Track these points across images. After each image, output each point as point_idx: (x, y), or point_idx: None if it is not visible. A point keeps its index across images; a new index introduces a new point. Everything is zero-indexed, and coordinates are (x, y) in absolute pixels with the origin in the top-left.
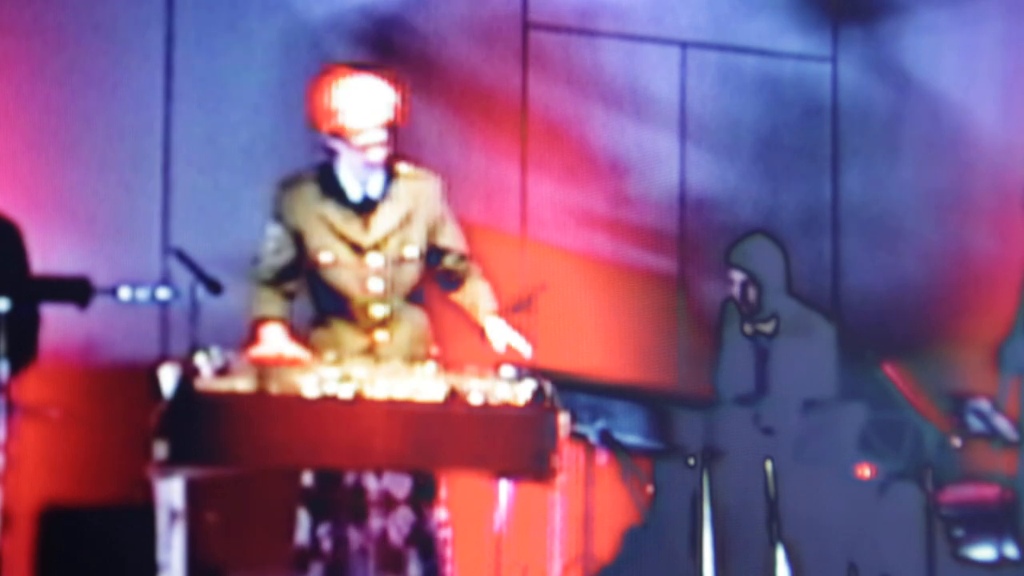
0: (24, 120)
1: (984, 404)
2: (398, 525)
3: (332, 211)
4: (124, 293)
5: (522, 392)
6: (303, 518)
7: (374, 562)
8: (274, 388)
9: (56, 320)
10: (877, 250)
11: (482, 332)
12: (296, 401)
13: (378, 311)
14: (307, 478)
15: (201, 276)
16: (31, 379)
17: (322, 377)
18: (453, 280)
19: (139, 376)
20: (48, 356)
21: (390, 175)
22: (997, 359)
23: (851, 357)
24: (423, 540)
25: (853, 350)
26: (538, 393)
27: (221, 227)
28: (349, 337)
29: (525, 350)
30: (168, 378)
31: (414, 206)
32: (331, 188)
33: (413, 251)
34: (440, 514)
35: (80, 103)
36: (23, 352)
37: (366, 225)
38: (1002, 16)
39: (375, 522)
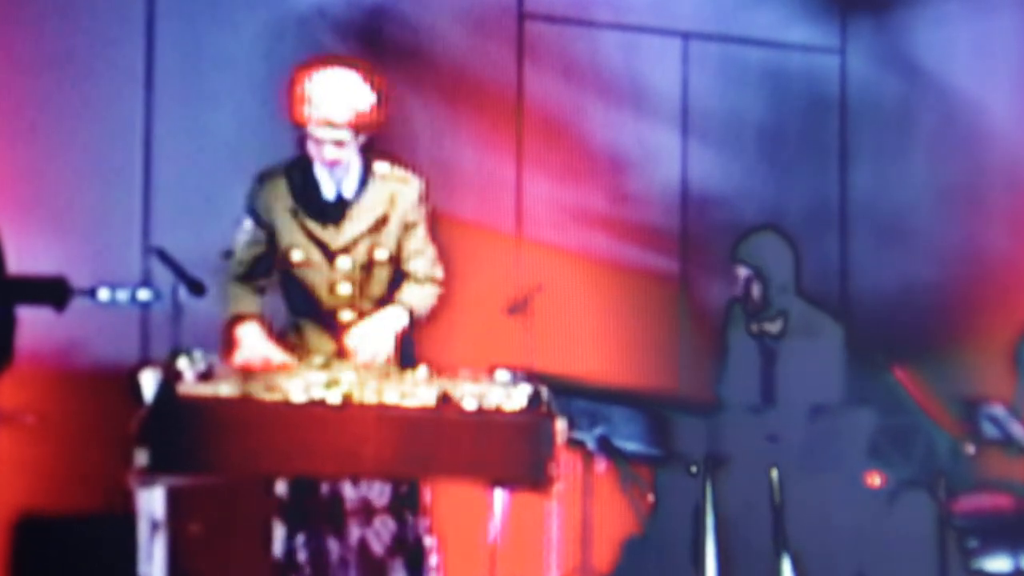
0: None
1: (999, 409)
2: (378, 534)
3: (304, 209)
4: (103, 294)
5: (517, 397)
6: (278, 529)
7: (355, 573)
8: (261, 393)
9: (32, 322)
10: (887, 249)
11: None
12: (283, 407)
13: (346, 316)
14: (280, 487)
15: (183, 277)
16: (6, 383)
17: (309, 381)
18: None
19: (119, 380)
20: (24, 359)
21: (367, 175)
22: (1015, 359)
23: (860, 361)
24: (408, 549)
25: (862, 353)
26: (534, 398)
27: (204, 226)
28: (319, 341)
29: (368, 355)
30: (149, 383)
31: (390, 208)
32: (306, 185)
33: (384, 255)
34: (424, 521)
35: (58, 97)
36: None
37: (338, 227)
38: (1016, 6)
39: (354, 532)
